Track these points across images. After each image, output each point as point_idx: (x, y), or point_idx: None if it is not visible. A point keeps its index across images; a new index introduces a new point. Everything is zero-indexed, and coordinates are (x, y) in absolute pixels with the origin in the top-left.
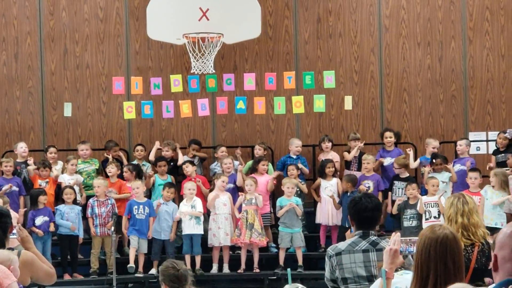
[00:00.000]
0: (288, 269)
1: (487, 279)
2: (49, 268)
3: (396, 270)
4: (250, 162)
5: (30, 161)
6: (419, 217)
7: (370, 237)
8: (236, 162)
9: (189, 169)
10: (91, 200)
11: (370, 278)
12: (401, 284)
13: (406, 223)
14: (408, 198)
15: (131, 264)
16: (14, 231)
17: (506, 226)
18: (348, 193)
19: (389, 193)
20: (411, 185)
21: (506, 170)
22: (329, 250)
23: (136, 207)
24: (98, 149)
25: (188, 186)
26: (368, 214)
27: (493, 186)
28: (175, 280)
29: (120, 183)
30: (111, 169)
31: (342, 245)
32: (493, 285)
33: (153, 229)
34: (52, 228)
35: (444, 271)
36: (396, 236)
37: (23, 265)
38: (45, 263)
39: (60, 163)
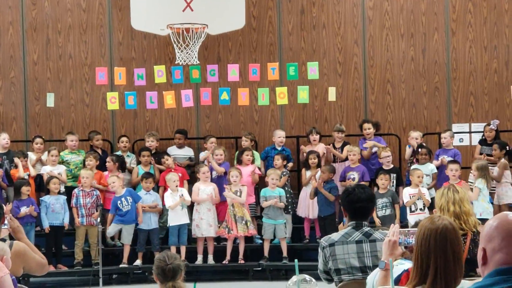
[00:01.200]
0: (296, 260)
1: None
2: (41, 259)
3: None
4: (238, 153)
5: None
6: (391, 205)
7: (363, 228)
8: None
9: (168, 161)
10: (76, 190)
11: (364, 269)
12: (395, 274)
13: (379, 213)
14: (378, 187)
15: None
16: (6, 221)
17: (491, 219)
18: (326, 183)
19: (375, 187)
20: (384, 175)
21: (488, 163)
22: (322, 241)
23: (119, 202)
24: (81, 140)
25: (173, 178)
26: (361, 205)
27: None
28: (162, 273)
29: (99, 175)
30: (89, 161)
31: (335, 236)
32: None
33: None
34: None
35: (444, 262)
36: (394, 227)
37: (15, 256)
38: (36, 253)
39: (45, 154)
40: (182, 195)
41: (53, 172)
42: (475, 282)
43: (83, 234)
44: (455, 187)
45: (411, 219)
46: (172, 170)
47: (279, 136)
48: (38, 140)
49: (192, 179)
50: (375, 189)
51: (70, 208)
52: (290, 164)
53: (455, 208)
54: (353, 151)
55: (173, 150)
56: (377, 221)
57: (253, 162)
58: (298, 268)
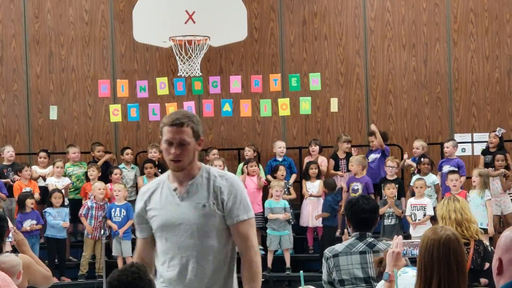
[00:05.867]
0: (301, 271)
1: (482, 280)
2: (46, 271)
3: None
4: (241, 165)
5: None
6: (397, 215)
7: (367, 238)
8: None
9: None
10: (89, 202)
11: (368, 280)
12: (400, 286)
13: (385, 221)
14: (386, 197)
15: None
16: (10, 234)
17: (507, 230)
18: (326, 196)
19: (377, 197)
20: (390, 184)
21: (492, 169)
22: (326, 252)
23: (113, 209)
24: (84, 152)
25: None
26: (365, 216)
27: (474, 187)
28: None
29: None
30: (92, 171)
31: (339, 247)
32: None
33: None
34: (36, 227)
35: (447, 272)
36: (398, 239)
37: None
38: (41, 266)
39: (49, 168)
40: None
41: (61, 186)
42: None
43: (91, 247)
44: (456, 196)
45: (411, 230)
46: None
47: (280, 146)
48: (42, 154)
49: None
50: (379, 198)
51: (73, 220)
52: (293, 177)
53: (457, 216)
54: (352, 162)
55: None
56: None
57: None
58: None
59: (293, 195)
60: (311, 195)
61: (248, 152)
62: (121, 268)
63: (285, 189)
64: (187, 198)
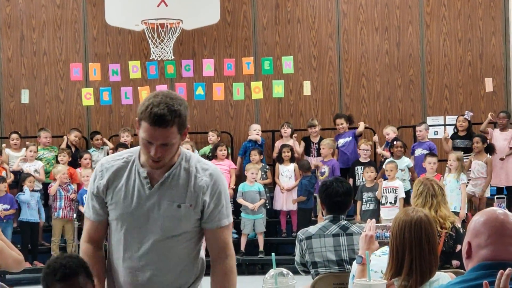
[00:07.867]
0: (273, 254)
1: (454, 262)
2: (18, 255)
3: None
4: (206, 148)
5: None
6: (376, 200)
7: (341, 221)
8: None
9: None
10: (52, 184)
11: (340, 262)
12: (376, 267)
13: (363, 207)
14: (365, 181)
15: None
16: None
17: (477, 214)
18: (301, 179)
19: (351, 179)
20: (369, 168)
21: (466, 155)
22: (299, 234)
23: (85, 195)
24: (56, 136)
25: None
26: (339, 199)
27: (450, 170)
28: None
29: (70, 171)
30: (63, 156)
31: (312, 229)
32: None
33: None
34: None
35: (419, 253)
36: (371, 222)
37: None
38: (13, 250)
39: (23, 150)
40: None
41: (29, 169)
42: (459, 276)
43: (60, 230)
44: (435, 188)
45: (382, 212)
46: None
47: (255, 129)
48: (14, 136)
49: None
50: (352, 181)
51: (45, 205)
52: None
53: (430, 213)
54: (323, 144)
55: None
56: (358, 218)
57: (227, 156)
58: (275, 262)
59: (269, 180)
60: (286, 190)
61: (212, 137)
62: (49, 267)
63: (263, 173)
64: (159, 191)
